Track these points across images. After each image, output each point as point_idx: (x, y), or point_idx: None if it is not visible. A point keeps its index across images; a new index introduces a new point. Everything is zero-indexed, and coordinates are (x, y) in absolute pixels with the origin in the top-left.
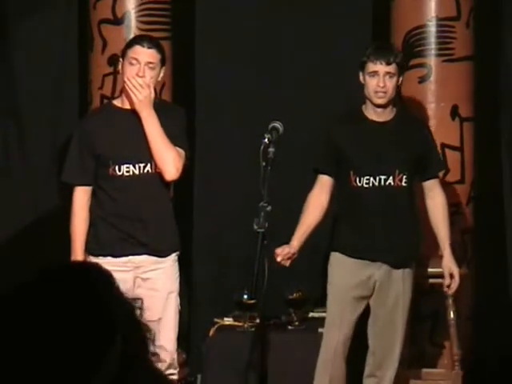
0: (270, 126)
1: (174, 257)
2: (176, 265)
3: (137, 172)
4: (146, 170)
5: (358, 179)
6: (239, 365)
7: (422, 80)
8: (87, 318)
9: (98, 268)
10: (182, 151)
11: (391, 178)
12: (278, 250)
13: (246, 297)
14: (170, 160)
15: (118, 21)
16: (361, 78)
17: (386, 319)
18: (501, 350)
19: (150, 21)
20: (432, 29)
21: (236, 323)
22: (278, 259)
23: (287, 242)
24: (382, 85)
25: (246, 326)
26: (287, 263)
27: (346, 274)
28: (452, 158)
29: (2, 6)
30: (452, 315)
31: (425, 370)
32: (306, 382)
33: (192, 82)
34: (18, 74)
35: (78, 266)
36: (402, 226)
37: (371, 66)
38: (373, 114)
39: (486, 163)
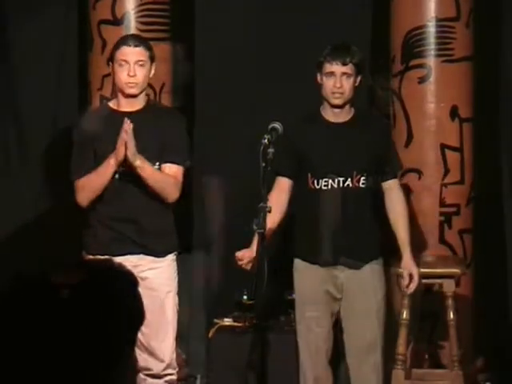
0: (270, 126)
1: (172, 256)
2: (174, 264)
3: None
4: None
5: (315, 181)
6: (239, 365)
7: (422, 80)
8: (113, 310)
9: (121, 267)
10: (177, 169)
11: (349, 179)
12: (239, 255)
13: (245, 297)
14: (168, 190)
15: (117, 21)
16: (318, 78)
17: (357, 323)
18: (500, 349)
19: (150, 21)
20: (432, 29)
21: (235, 324)
22: (240, 263)
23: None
24: (338, 85)
25: (245, 326)
26: (248, 267)
27: (309, 278)
28: (452, 158)
29: (2, 6)
30: (451, 315)
31: (424, 371)
32: None
33: (192, 82)
34: (18, 74)
35: (102, 264)
36: (362, 228)
37: (328, 67)
38: (330, 115)
39: (485, 164)
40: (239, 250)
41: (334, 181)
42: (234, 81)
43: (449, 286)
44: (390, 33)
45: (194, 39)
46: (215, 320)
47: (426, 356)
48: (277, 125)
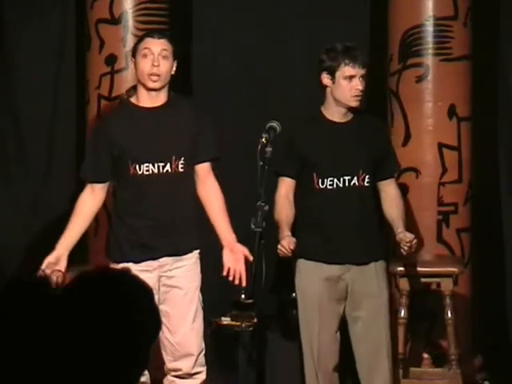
0: (268, 125)
1: (196, 254)
2: (198, 262)
3: (156, 171)
4: (165, 170)
5: (321, 181)
6: (237, 365)
7: (420, 79)
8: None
9: (134, 277)
10: (210, 165)
11: (355, 178)
12: (284, 243)
13: (243, 296)
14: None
15: (115, 20)
16: (325, 80)
17: (364, 324)
18: (498, 348)
19: (148, 20)
20: (429, 28)
21: (233, 323)
22: (286, 252)
23: None
24: (361, 88)
25: (243, 325)
26: (291, 254)
27: (315, 280)
28: (449, 157)
29: (0, 6)
30: (449, 314)
31: (422, 369)
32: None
33: (190, 81)
34: (16, 74)
35: (118, 274)
36: (368, 226)
37: (348, 70)
38: (334, 116)
39: (483, 162)
40: None
41: (339, 180)
42: (232, 80)
43: (447, 285)
44: (388, 31)
45: (191, 38)
46: (213, 319)
47: (425, 355)
48: (275, 124)
